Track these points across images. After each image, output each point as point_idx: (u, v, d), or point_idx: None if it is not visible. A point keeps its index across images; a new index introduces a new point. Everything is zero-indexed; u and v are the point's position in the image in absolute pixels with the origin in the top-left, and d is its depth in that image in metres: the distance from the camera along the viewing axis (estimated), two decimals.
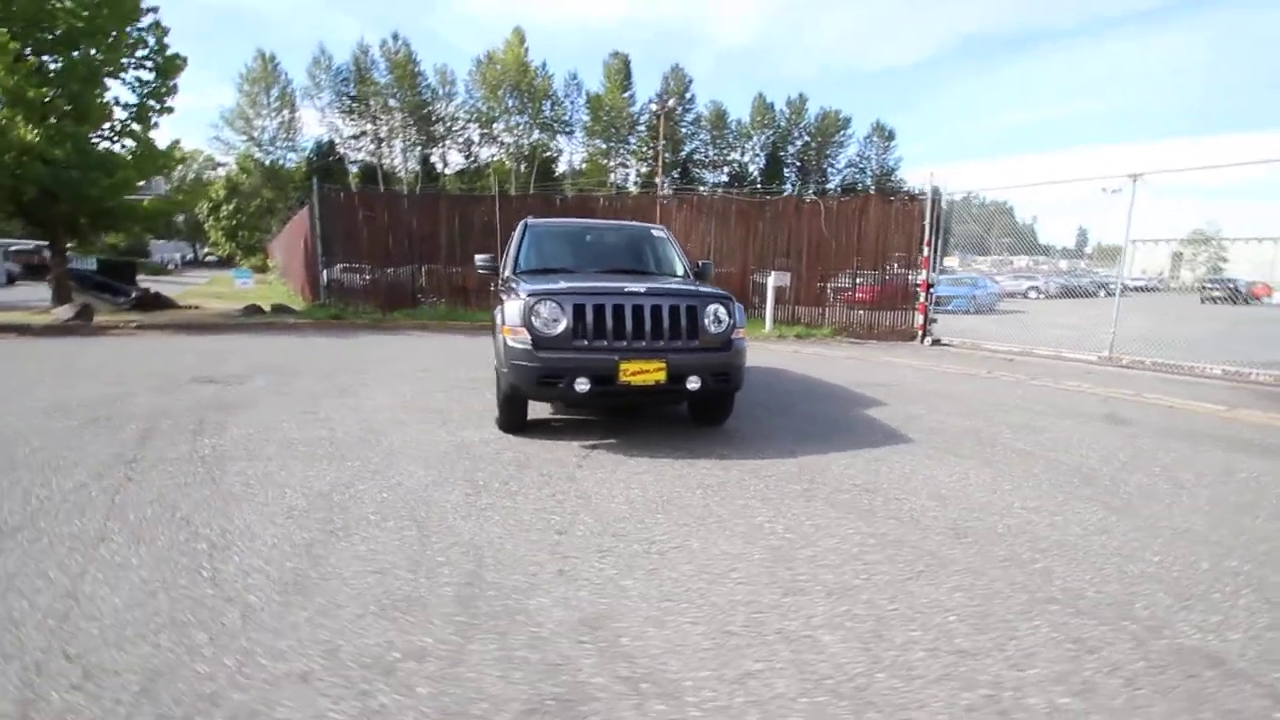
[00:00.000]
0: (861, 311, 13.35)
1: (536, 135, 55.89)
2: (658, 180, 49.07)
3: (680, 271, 5.60)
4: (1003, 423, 5.48)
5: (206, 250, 57.84)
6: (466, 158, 55.45)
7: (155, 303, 15.25)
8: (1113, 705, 1.83)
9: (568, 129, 58.03)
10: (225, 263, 49.79)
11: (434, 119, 52.98)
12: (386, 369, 7.57)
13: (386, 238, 14.33)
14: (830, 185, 65.53)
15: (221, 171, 44.97)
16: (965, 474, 4.00)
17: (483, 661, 1.98)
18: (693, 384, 4.27)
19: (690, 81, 61.41)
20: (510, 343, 4.23)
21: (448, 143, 54.66)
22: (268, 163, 49.76)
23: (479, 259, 5.60)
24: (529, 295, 4.25)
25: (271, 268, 31.31)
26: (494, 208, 14.95)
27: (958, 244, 14.62)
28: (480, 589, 2.43)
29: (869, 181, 66.09)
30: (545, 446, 4.38)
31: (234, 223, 45.30)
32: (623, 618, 2.25)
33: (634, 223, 6.68)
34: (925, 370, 8.77)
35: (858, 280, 13.32)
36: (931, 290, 12.91)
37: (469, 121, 53.96)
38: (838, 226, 13.33)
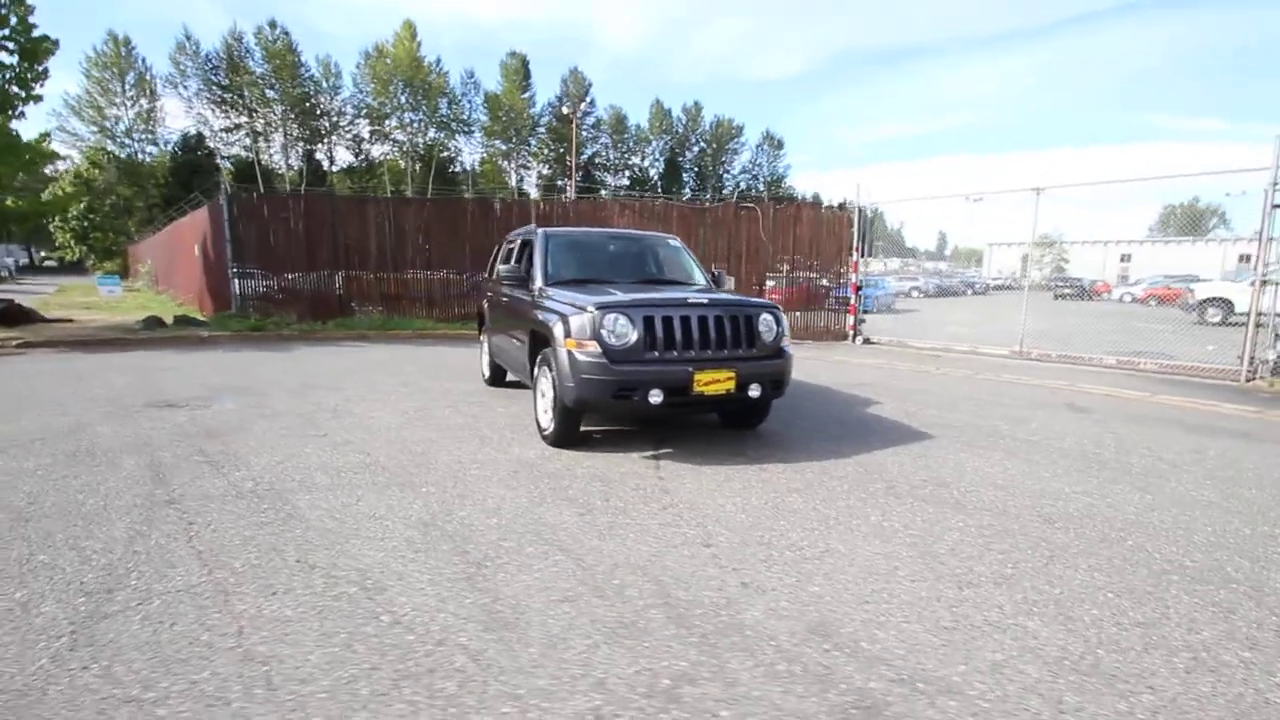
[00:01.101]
0: (798, 313, 14.10)
1: (433, 134, 53.72)
2: (568, 183, 48.76)
3: (701, 280, 5.73)
4: (989, 415, 6.06)
5: (44, 254, 50.52)
6: (356, 155, 52.26)
7: (20, 316, 13.20)
8: None
9: (466, 128, 56.29)
10: (71, 268, 43.78)
11: (318, 113, 49.42)
12: (358, 384, 7.09)
13: (309, 243, 13.31)
14: (726, 190, 68.07)
15: (65, 166, 39.30)
16: (1002, 464, 4.42)
17: (754, 678, 2.01)
18: (754, 391, 4.41)
19: (590, 85, 61.63)
20: (579, 356, 4.16)
21: (334, 138, 51.21)
22: (124, 156, 44.25)
23: (503, 269, 5.41)
24: (596, 308, 4.21)
25: (144, 273, 27.91)
26: (421, 212, 14.34)
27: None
28: (684, 608, 2.43)
29: (761, 188, 69.36)
30: (608, 460, 4.34)
31: (86, 224, 39.81)
32: (842, 623, 2.34)
33: (651, 233, 6.71)
34: (883, 369, 9.44)
35: (796, 281, 14.05)
36: (861, 292, 13.89)
37: (358, 117, 50.88)
38: (774, 232, 14.00)
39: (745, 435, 5.13)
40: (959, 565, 2.83)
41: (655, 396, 4.13)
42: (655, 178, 66.11)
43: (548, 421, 4.68)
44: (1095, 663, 2.12)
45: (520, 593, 2.52)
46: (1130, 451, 4.83)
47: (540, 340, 4.88)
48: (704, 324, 4.33)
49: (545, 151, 62.00)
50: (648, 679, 1.99)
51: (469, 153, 58.47)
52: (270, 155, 49.80)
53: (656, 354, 4.22)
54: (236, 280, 13.13)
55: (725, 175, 69.86)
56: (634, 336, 4.19)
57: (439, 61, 52.90)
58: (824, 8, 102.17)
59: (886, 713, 1.86)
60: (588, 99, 59.42)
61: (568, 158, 61.39)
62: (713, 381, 4.22)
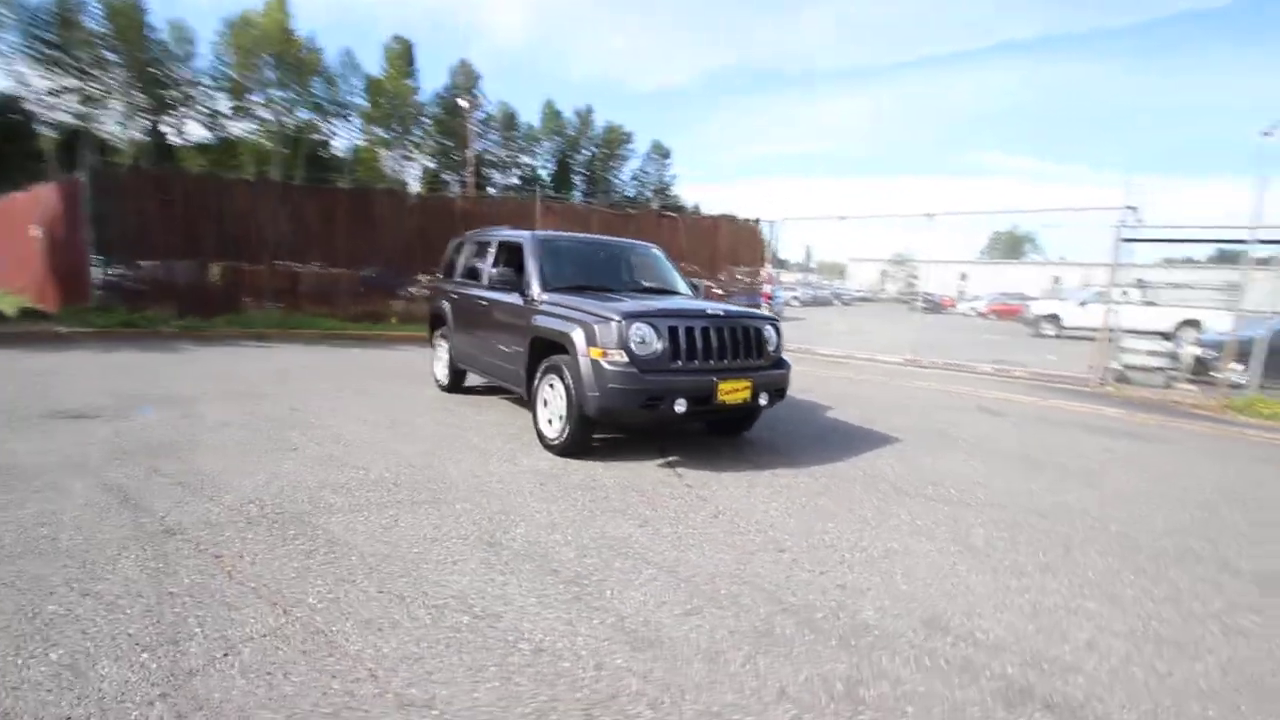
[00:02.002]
0: None
1: (304, 115, 49.43)
2: (462, 176, 46.80)
3: (685, 288, 5.85)
4: (928, 419, 6.72)
5: None
6: (212, 131, 46.76)
7: None
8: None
9: (344, 112, 52.38)
10: None
11: (168, 82, 43.67)
12: (297, 390, 6.46)
13: (189, 229, 11.82)
14: (615, 196, 68.81)
15: None
16: (970, 465, 4.95)
17: (911, 673, 2.15)
18: (763, 400, 4.61)
19: (480, 78, 59.75)
20: (605, 365, 4.12)
21: (184, 111, 45.47)
22: None
23: (496, 272, 5.18)
24: (623, 317, 4.19)
25: None
26: (334, 201, 13.28)
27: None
28: (804, 612, 2.53)
29: (649, 195, 70.89)
30: (627, 470, 4.33)
31: None
32: (947, 616, 2.56)
33: (635, 241, 6.70)
34: (809, 375, 10.06)
35: (714, 290, 14.60)
36: (772, 300, 14.73)
37: (215, 89, 45.57)
38: (695, 241, 14.46)
39: (735, 442, 5.30)
40: (1002, 558, 3.17)
41: (680, 405, 4.19)
42: (546, 179, 65.38)
43: (555, 431, 4.57)
44: (1157, 633, 2.49)
45: (640, 609, 2.49)
46: (1057, 452, 5.59)
47: (544, 348, 4.76)
48: (721, 335, 4.45)
49: (430, 143, 59.25)
50: (821, 684, 2.07)
51: (346, 138, 54.49)
52: (107, 125, 43.22)
53: (680, 363, 4.29)
54: (99, 269, 11.37)
55: (615, 180, 70.57)
56: (660, 346, 4.22)
57: (313, 38, 48.84)
58: (702, 30, 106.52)
59: (1036, 693, 2.08)
60: (477, 91, 57.55)
61: (455, 152, 59.15)
62: (733, 391, 4.36)
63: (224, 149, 46.63)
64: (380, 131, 55.13)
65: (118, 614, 2.29)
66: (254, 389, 6.46)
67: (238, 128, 47.34)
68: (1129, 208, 10.86)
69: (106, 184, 11.41)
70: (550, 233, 5.58)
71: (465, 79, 58.77)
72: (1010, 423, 6.81)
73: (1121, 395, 9.94)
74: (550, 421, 4.66)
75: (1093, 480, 4.71)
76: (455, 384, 6.73)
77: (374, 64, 56.54)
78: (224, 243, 12.08)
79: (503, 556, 2.91)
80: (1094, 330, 22.92)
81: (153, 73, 42.51)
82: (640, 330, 4.19)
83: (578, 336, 4.28)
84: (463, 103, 46.76)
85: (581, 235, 5.80)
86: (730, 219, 14.86)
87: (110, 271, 11.56)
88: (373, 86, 53.14)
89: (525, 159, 65.66)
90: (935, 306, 36.61)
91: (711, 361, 4.39)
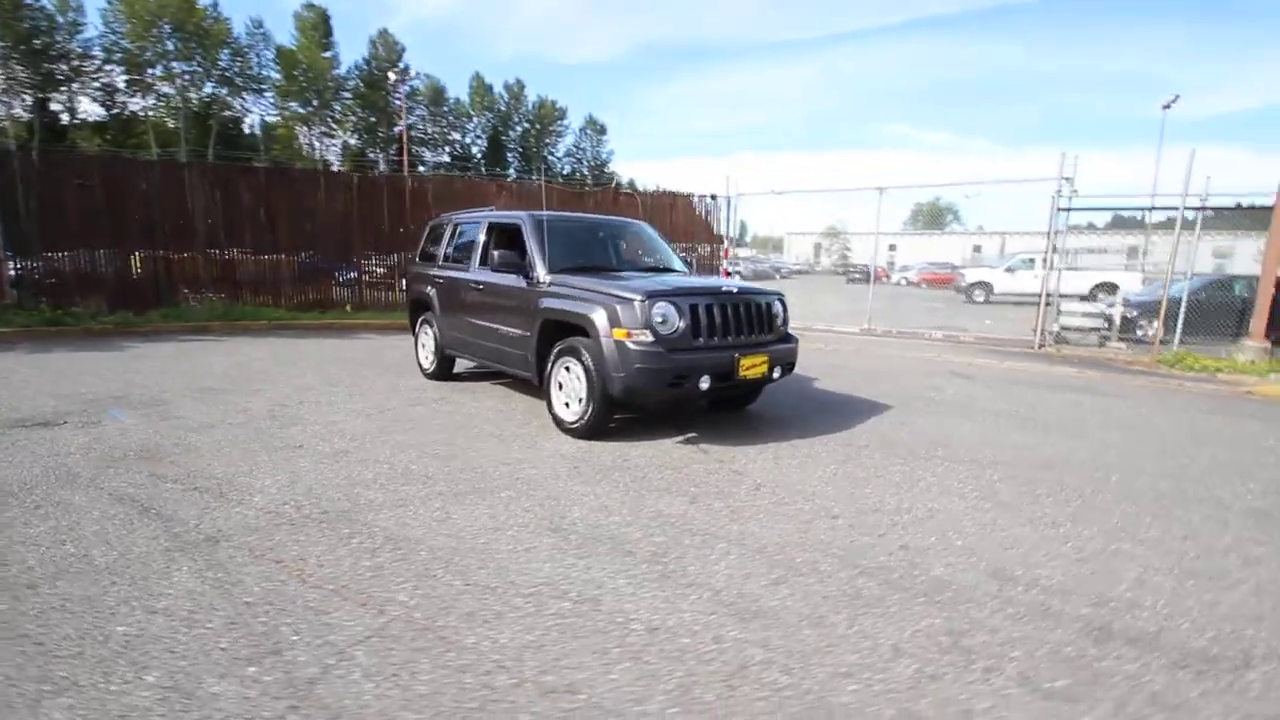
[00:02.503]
0: None
1: (212, 89, 45.91)
2: (390, 155, 44.79)
3: (679, 266, 5.86)
4: (908, 385, 7.03)
5: None
6: (108, 108, 42.78)
7: None
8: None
9: (256, 86, 48.94)
10: None
11: (53, 54, 39.52)
12: (272, 385, 6.12)
13: (115, 217, 10.88)
14: (552, 173, 67.54)
15: None
16: (965, 426, 5.24)
17: (1002, 622, 2.30)
18: (777, 373, 4.71)
19: (403, 50, 56.99)
20: (631, 345, 4.11)
21: (76, 87, 41.37)
22: None
23: (500, 255, 5.01)
24: (645, 296, 4.17)
25: None
26: (271, 182, 12.49)
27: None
28: (883, 574, 2.65)
29: (586, 172, 69.97)
30: (652, 449, 4.35)
31: None
32: (1009, 567, 2.73)
33: (627, 219, 6.62)
34: None
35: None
36: (731, 275, 14.93)
37: (109, 62, 41.60)
38: (652, 218, 14.42)
39: (741, 417, 5.40)
40: (1033, 510, 3.40)
41: (704, 382, 4.24)
42: (478, 155, 63.48)
43: (574, 414, 4.54)
44: (1191, 568, 2.75)
45: (729, 582, 2.55)
46: (1035, 409, 5.98)
47: (557, 330, 4.69)
48: (737, 310, 4.51)
49: (352, 119, 56.33)
50: (927, 638, 2.19)
51: (260, 114, 51.02)
52: None
53: (701, 341, 4.32)
54: (11, 262, 10.33)
55: (550, 157, 69.20)
56: (682, 324, 4.24)
57: (216, 5, 45.17)
58: (631, 1, 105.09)
59: (1114, 629, 2.26)
60: (401, 64, 54.89)
61: (380, 128, 56.46)
62: (752, 365, 4.43)
63: (122, 128, 42.85)
64: (297, 107, 51.93)
65: (199, 629, 2.15)
66: (223, 386, 6.08)
67: (137, 104, 43.56)
68: (1065, 179, 11.54)
69: (15, 171, 10.32)
70: (547, 213, 5.45)
71: (386, 51, 55.96)
72: (983, 384, 7.22)
73: (1063, 355, 10.68)
74: (567, 404, 4.61)
75: (1075, 434, 5.07)
76: (443, 371, 6.55)
77: (287, 35, 52.82)
78: (152, 230, 11.19)
79: (572, 541, 2.90)
80: (1021, 295, 24.38)
81: (35, 45, 38.40)
82: (663, 309, 4.19)
83: (599, 318, 4.24)
84: (392, 75, 44.52)
85: (576, 215, 5.70)
86: (686, 196, 14.89)
87: (23, 265, 10.53)
88: (285, 58, 49.86)
89: (456, 136, 63.42)
90: (870, 277, 38.12)
91: (730, 338, 4.45)
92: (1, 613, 2.24)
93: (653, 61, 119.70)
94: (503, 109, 65.49)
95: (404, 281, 7.35)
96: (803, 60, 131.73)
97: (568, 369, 4.58)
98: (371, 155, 56.81)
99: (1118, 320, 12.42)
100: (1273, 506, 3.53)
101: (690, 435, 4.69)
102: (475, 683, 1.91)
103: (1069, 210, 11.77)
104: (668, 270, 5.54)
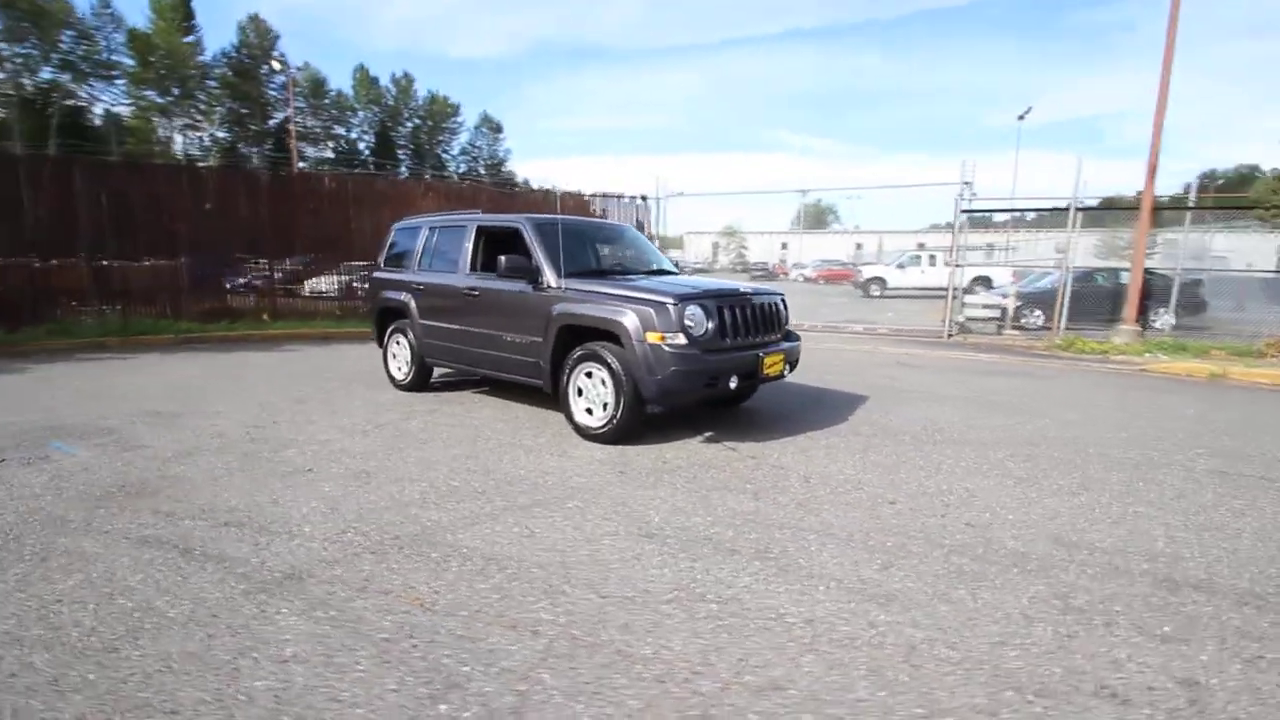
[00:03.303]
0: None
1: (51, 74, 40.22)
2: (264, 150, 41.22)
3: (671, 268, 5.95)
4: (865, 377, 7.54)
5: None
6: None
7: None
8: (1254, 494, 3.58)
9: (105, 73, 43.42)
10: None
11: None
12: (223, 404, 5.58)
13: None
14: (447, 172, 65.24)
15: None
16: (943, 411, 5.72)
17: (1090, 580, 2.60)
18: (788, 371, 4.93)
19: (277, 38, 52.76)
20: (667, 349, 4.15)
21: None
22: None
23: (509, 260, 4.83)
24: (677, 299, 4.23)
25: None
26: (180, 181, 11.25)
27: None
28: (967, 550, 2.89)
29: (482, 170, 68.13)
30: (682, 450, 4.41)
31: None
32: (1063, 534, 3.07)
33: (617, 223, 6.57)
34: None
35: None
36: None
37: None
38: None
39: (738, 413, 5.58)
40: (1049, 483, 3.81)
41: (734, 382, 4.36)
42: (365, 151, 60.09)
43: (598, 420, 4.51)
44: (1198, 522, 3.22)
45: (845, 571, 2.68)
46: (989, 392, 6.63)
47: (574, 335, 4.64)
48: (754, 311, 4.67)
49: (219, 110, 51.47)
50: (1044, 604, 2.43)
51: (109, 104, 45.33)
52: None
53: (728, 341, 4.44)
54: None
55: (444, 155, 66.80)
56: (711, 326, 4.34)
57: None
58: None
59: (1177, 579, 2.63)
60: (276, 51, 50.78)
61: (252, 121, 52.06)
62: (773, 364, 4.62)
63: None
64: (155, 96, 46.73)
65: (350, 674, 1.99)
66: (172, 409, 5.47)
67: None
68: (965, 183, 12.75)
69: None
70: (545, 216, 5.34)
71: (259, 37, 51.62)
72: (930, 373, 7.87)
73: (972, 343, 11.81)
74: (589, 411, 4.58)
75: (1036, 413, 5.69)
76: (420, 381, 6.25)
77: (142, 17, 47.31)
78: (19, 235, 9.73)
79: (670, 545, 2.92)
80: (912, 289, 26.45)
81: None
82: (694, 311, 4.27)
83: (630, 322, 4.25)
84: (275, 64, 41.12)
85: (573, 219, 5.63)
86: (618, 197, 14.96)
87: None
88: (139, 42, 44.68)
89: (340, 130, 59.66)
90: (770, 274, 39.97)
91: (750, 338, 4.60)
92: (95, 682, 1.96)
93: (544, 60, 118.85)
94: (390, 103, 62.37)
95: (367, 288, 6.90)
96: (691, 65, 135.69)
97: (588, 375, 4.54)
98: (244, 150, 52.21)
99: (1011, 311, 13.92)
100: (1226, 467, 4.17)
101: (708, 434, 4.80)
102: (681, 691, 1.92)
103: (970, 211, 13.04)
104: (665, 272, 5.61)
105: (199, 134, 51.31)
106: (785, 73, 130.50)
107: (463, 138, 68.37)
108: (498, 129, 70.86)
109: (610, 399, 4.42)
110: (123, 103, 45.85)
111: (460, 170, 66.72)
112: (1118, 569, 2.72)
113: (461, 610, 2.35)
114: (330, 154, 58.56)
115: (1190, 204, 12.36)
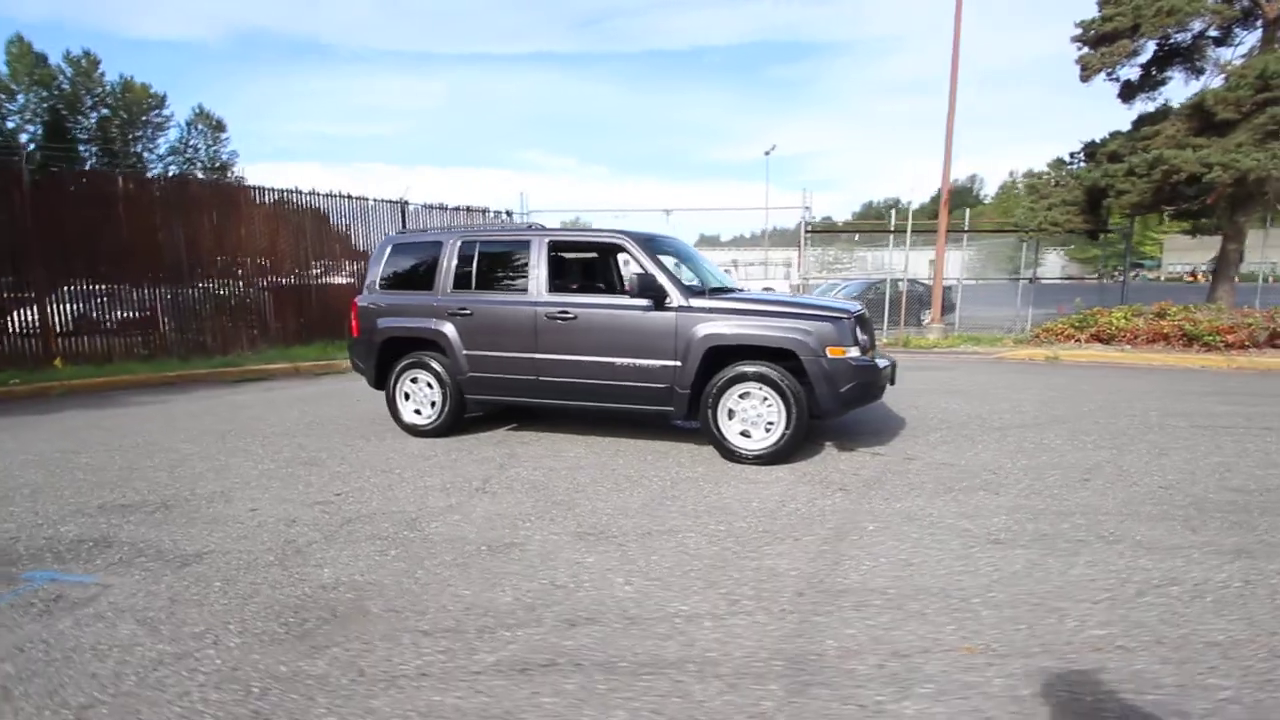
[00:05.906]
0: None
1: None
2: None
3: (733, 283, 6.09)
4: None
5: None
6: None
7: None
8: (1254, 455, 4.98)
9: None
10: None
11: None
12: (213, 480, 4.21)
13: None
14: (153, 172, 53.56)
15: None
16: (951, 404, 6.68)
17: (1162, 556, 3.47)
18: None
19: None
20: (851, 362, 4.32)
21: None
22: None
23: (640, 278, 4.38)
24: (845, 315, 4.42)
25: None
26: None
27: None
28: (1052, 541, 3.58)
29: (201, 174, 57.31)
30: (840, 461, 4.48)
31: None
32: (1172, 483, 3.97)
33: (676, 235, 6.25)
34: None
35: None
36: None
37: None
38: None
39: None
40: (1106, 452, 4.69)
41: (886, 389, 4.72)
42: (29, 144, 46.45)
43: (761, 443, 4.42)
44: (1231, 465, 4.38)
45: (1003, 551, 3.00)
46: (961, 384, 7.89)
47: (721, 357, 4.51)
48: (866, 326, 5.01)
49: None
50: (1122, 578, 2.77)
51: None
52: None
53: (872, 354, 4.75)
54: None
55: (149, 154, 54.71)
56: (865, 339, 4.61)
57: None
58: None
59: (1253, 508, 3.62)
60: None
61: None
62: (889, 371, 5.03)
63: None
64: None
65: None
66: (144, 491, 3.94)
67: None
68: (806, 207, 14.78)
69: None
70: (643, 231, 5.01)
71: None
72: (920, 373, 8.92)
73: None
74: (744, 434, 4.48)
75: (1027, 397, 6.94)
76: (452, 424, 5.36)
77: None
78: None
79: (1021, 543, 3.13)
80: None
81: None
82: (854, 327, 4.49)
83: (811, 339, 4.30)
84: None
85: (662, 234, 5.38)
86: (482, 211, 14.08)
87: None
88: None
89: None
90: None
91: (871, 351, 4.95)
92: None
93: (259, 52, 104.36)
94: (66, 88, 49.25)
95: (353, 318, 5.61)
96: (431, 75, 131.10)
97: (744, 396, 4.45)
98: None
99: None
100: (1206, 424, 5.57)
101: (828, 444, 5.00)
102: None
103: (812, 231, 15.10)
104: (733, 288, 5.64)
105: None
106: (534, 95, 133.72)
107: (172, 134, 56.71)
108: (219, 126, 60.00)
109: (776, 417, 4.39)
110: None
111: (172, 172, 55.24)
112: (1179, 553, 3.66)
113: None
114: None
115: (965, 228, 15.89)
